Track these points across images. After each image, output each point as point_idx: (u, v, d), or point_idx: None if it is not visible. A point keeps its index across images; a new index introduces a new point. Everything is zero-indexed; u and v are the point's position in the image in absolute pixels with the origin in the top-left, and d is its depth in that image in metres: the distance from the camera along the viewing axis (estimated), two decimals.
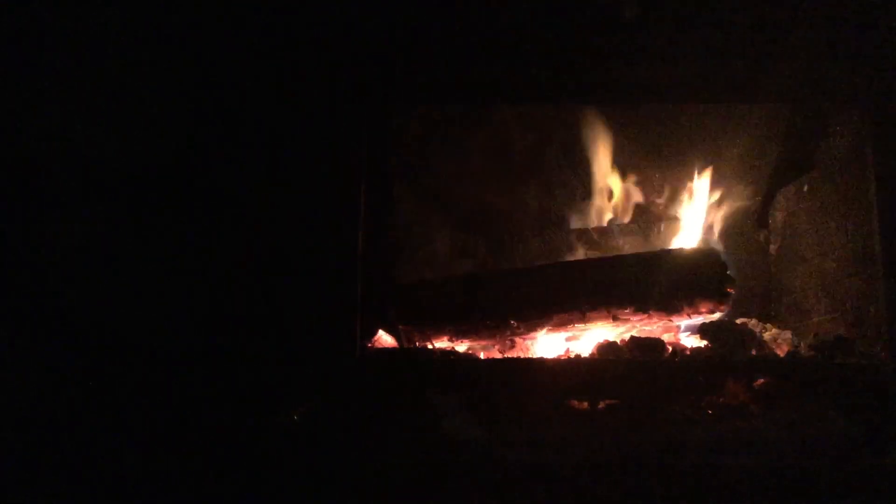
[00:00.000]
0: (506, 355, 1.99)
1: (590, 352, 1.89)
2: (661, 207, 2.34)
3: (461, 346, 2.02)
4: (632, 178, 2.36)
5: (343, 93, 1.81)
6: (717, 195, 2.27)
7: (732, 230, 2.32)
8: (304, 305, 1.75)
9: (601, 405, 1.71)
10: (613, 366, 1.79)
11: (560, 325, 1.97)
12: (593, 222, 2.38)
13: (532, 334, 2.01)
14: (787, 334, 2.04)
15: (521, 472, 1.49)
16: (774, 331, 2.08)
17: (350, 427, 1.63)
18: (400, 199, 2.30)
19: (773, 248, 2.36)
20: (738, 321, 2.09)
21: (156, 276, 1.76)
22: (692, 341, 1.97)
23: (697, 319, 1.95)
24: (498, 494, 1.47)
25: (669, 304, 1.92)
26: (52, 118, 1.78)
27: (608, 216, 2.39)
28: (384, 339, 1.98)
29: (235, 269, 1.76)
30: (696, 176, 2.26)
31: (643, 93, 1.90)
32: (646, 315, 1.94)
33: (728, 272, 1.95)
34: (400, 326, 2.00)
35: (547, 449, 1.53)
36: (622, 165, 2.36)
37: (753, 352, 1.88)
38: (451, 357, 1.91)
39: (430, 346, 2.00)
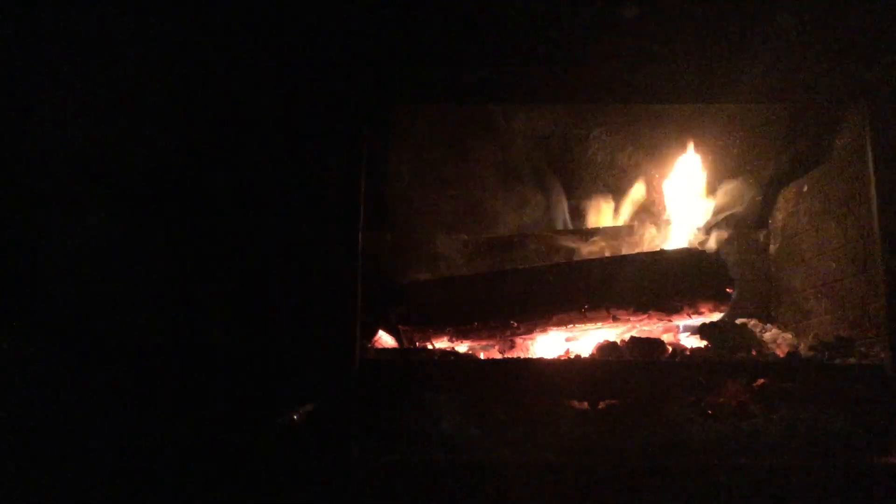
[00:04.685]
0: (506, 355, 1.99)
1: (590, 352, 1.89)
2: (660, 208, 2.34)
3: (461, 347, 2.02)
4: (632, 179, 2.36)
5: (343, 93, 1.81)
6: (717, 195, 2.27)
7: (732, 230, 2.32)
8: (305, 306, 1.74)
9: (601, 405, 1.71)
10: (613, 366, 1.79)
11: (560, 325, 1.97)
12: (593, 223, 2.38)
13: (532, 334, 2.01)
14: (787, 334, 2.04)
15: (520, 472, 1.49)
16: (774, 331, 2.08)
17: (350, 428, 1.63)
18: (400, 199, 2.30)
19: (773, 248, 2.36)
20: (738, 321, 2.09)
21: (156, 277, 1.76)
22: (692, 341, 1.97)
23: (697, 319, 1.95)
24: (498, 494, 1.47)
25: (669, 304, 1.92)
26: (53, 118, 1.78)
27: (609, 217, 2.39)
28: (384, 339, 1.98)
29: (236, 269, 1.76)
30: (695, 176, 2.26)
31: (643, 93, 1.90)
32: (646, 315, 1.94)
33: (728, 272, 1.95)
34: (400, 327, 2.00)
35: (547, 449, 1.53)
36: (622, 166, 2.36)
37: (753, 352, 1.88)
38: (451, 357, 1.91)
39: (430, 347, 2.00)
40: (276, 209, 1.78)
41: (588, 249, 2.32)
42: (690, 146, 2.27)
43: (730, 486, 1.47)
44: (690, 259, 1.99)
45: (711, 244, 2.21)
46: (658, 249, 2.19)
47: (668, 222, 2.28)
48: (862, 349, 1.82)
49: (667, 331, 2.03)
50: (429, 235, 2.39)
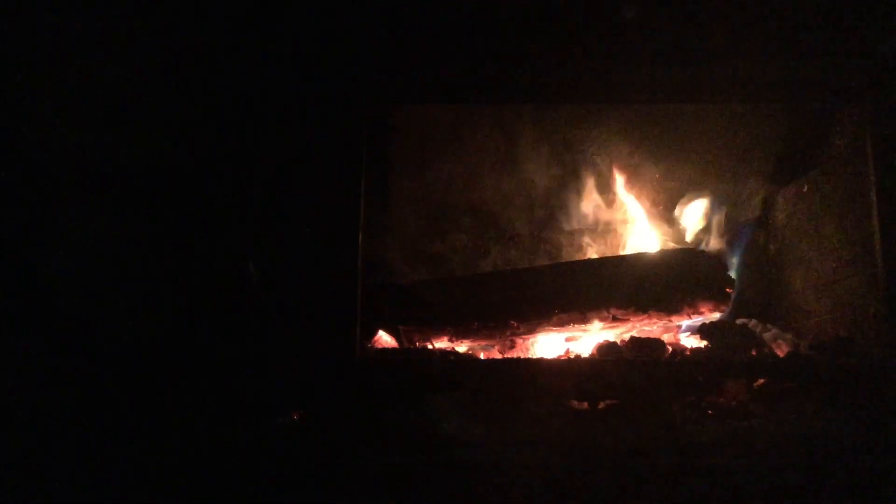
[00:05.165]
0: (506, 355, 1.99)
1: (590, 352, 1.89)
2: (661, 208, 2.34)
3: (461, 347, 2.02)
4: (632, 179, 2.36)
5: (342, 93, 1.81)
6: (716, 195, 2.28)
7: (733, 230, 2.32)
8: (305, 306, 1.74)
9: (601, 405, 1.71)
10: (613, 366, 1.79)
11: (560, 325, 1.97)
12: (593, 223, 2.38)
13: (532, 334, 2.01)
14: (787, 334, 2.04)
15: (521, 472, 1.49)
16: (774, 331, 2.08)
17: (350, 427, 1.63)
18: (400, 199, 2.30)
19: (773, 248, 2.36)
20: (738, 321, 2.09)
21: (155, 277, 1.76)
22: (692, 341, 1.97)
23: (697, 319, 1.95)
24: (498, 494, 1.47)
25: (669, 304, 1.92)
26: (54, 119, 1.78)
27: (607, 217, 2.39)
28: (384, 339, 1.98)
29: (235, 269, 1.76)
30: (695, 176, 2.26)
31: (643, 93, 1.90)
32: (646, 315, 1.94)
33: (728, 272, 1.95)
34: (400, 327, 2.00)
35: (547, 449, 1.53)
36: (622, 166, 2.36)
37: (753, 352, 1.88)
38: (451, 357, 1.91)
39: (430, 347, 2.00)
40: (275, 209, 1.78)
41: (588, 249, 2.32)
42: (690, 147, 2.27)
43: (730, 486, 1.47)
44: (690, 259, 1.99)
45: (712, 244, 2.22)
46: (658, 250, 2.19)
47: (666, 222, 2.28)
48: (862, 349, 1.82)
49: (667, 331, 2.03)
50: (429, 235, 2.39)
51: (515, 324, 1.98)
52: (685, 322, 2.00)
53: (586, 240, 2.38)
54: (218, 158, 1.80)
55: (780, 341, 2.00)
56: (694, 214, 2.27)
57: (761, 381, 1.73)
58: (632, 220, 2.37)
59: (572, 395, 1.72)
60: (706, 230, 2.27)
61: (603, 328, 1.99)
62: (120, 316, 1.73)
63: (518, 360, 1.92)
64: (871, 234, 1.80)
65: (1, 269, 1.73)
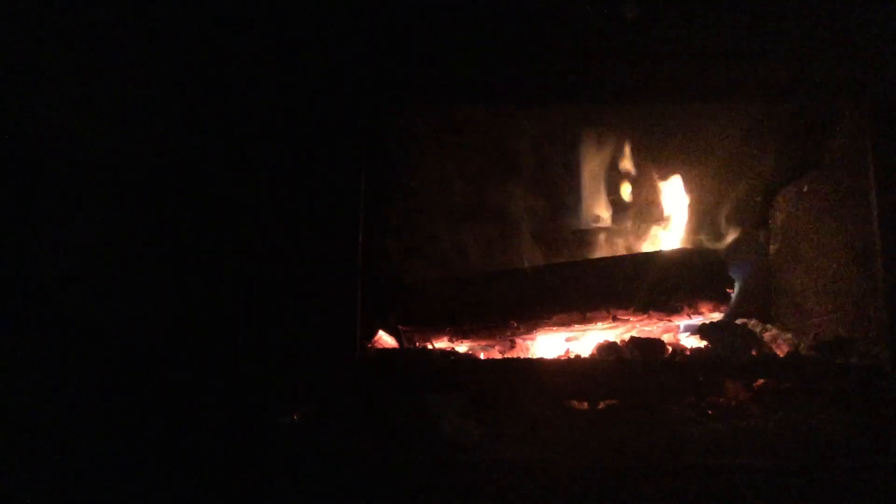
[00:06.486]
0: (506, 355, 1.99)
1: (590, 352, 1.89)
2: (660, 208, 2.34)
3: (461, 347, 2.02)
4: (632, 179, 2.36)
5: (342, 93, 1.81)
6: (716, 195, 2.27)
7: (733, 231, 2.32)
8: (305, 306, 1.75)
9: (601, 405, 1.71)
10: (613, 366, 1.79)
11: (560, 325, 1.97)
12: (593, 223, 2.38)
13: (532, 334, 2.01)
14: (787, 334, 2.04)
15: (521, 472, 1.49)
16: (774, 331, 2.08)
17: (350, 427, 1.63)
18: (399, 199, 2.30)
19: (772, 248, 2.36)
20: (738, 321, 2.09)
21: (155, 276, 1.76)
22: (692, 341, 1.97)
23: (697, 319, 1.95)
24: (498, 494, 1.47)
25: (669, 304, 1.92)
26: (55, 117, 1.78)
27: (608, 217, 2.39)
28: (384, 339, 1.98)
29: (235, 269, 1.76)
30: (694, 176, 2.26)
31: (643, 93, 1.90)
32: (646, 315, 1.94)
33: (728, 272, 1.95)
34: (400, 327, 2.00)
35: (547, 449, 1.53)
36: (622, 166, 2.36)
37: (753, 352, 1.88)
38: (451, 357, 1.91)
39: (430, 347, 2.00)
40: (275, 209, 1.78)
41: (587, 249, 2.32)
42: (689, 146, 2.27)
43: (730, 486, 1.46)
44: (690, 259, 1.99)
45: (712, 244, 2.22)
46: (658, 250, 2.19)
47: (668, 222, 2.28)
48: (862, 349, 1.82)
49: (667, 331, 2.03)
50: (430, 235, 2.39)
51: (515, 324, 1.98)
52: (685, 322, 2.00)
53: (588, 240, 2.37)
54: (218, 157, 1.80)
55: (780, 341, 2.00)
56: (693, 214, 2.27)
57: (761, 381, 1.73)
58: (632, 220, 2.37)
59: (572, 395, 1.72)
60: (706, 231, 2.27)
61: (603, 328, 1.98)
62: (119, 315, 1.73)
63: (518, 360, 1.92)
64: (871, 234, 1.80)
65: (1, 268, 1.73)
